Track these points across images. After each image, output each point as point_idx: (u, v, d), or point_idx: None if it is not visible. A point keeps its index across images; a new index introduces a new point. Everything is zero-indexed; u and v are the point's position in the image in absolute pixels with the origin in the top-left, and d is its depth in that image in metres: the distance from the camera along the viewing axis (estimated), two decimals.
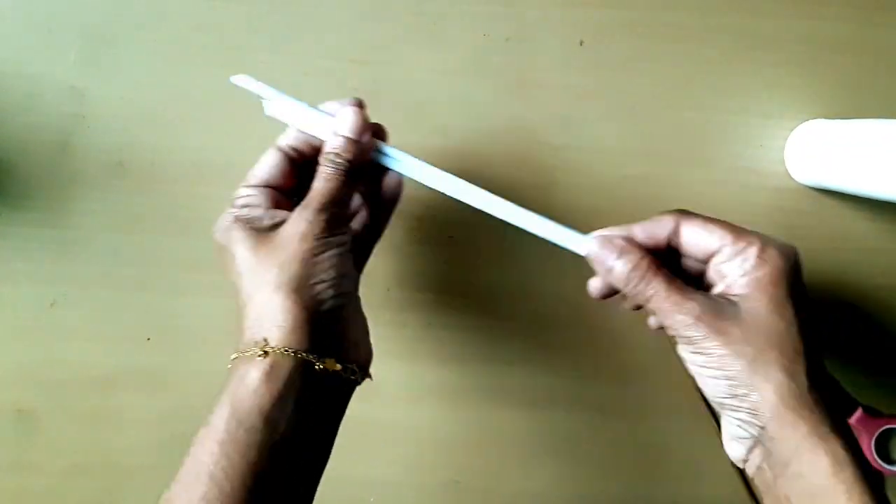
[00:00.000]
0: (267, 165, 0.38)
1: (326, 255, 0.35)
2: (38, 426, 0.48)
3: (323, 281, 0.34)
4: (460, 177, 0.39)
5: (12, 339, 0.48)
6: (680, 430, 0.48)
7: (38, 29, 0.49)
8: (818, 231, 0.50)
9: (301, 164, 0.39)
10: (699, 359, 0.33)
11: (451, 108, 0.50)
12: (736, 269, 0.34)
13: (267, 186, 0.37)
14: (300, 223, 0.35)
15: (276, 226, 0.36)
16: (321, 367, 0.33)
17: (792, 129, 0.50)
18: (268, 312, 0.33)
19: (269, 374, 0.32)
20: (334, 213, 0.36)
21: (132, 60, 0.49)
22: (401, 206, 0.50)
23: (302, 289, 0.33)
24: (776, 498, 0.32)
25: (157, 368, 0.49)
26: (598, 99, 0.50)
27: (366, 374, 0.36)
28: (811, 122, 0.50)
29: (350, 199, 0.38)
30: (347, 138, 0.37)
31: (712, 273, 0.36)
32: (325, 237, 0.35)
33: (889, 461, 0.50)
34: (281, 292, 0.33)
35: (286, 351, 0.32)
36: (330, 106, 0.39)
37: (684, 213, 0.37)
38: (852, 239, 0.50)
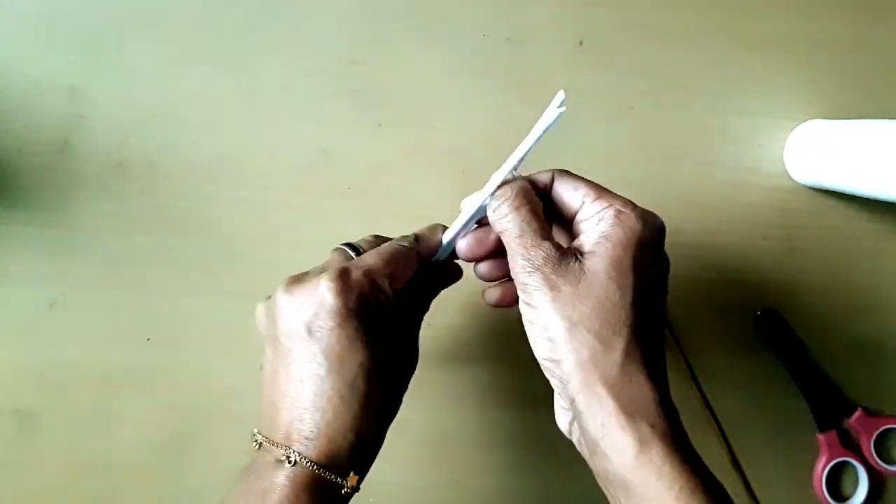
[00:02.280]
0: (409, 271, 0.36)
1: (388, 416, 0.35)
2: (38, 426, 0.48)
3: (392, 410, 0.35)
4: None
5: (12, 339, 0.48)
6: None
7: (38, 29, 0.49)
8: (818, 231, 0.50)
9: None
10: (528, 312, 0.32)
11: (451, 108, 0.50)
12: (592, 228, 0.32)
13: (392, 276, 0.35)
14: (414, 367, 0.35)
15: (391, 339, 0.35)
16: (341, 482, 0.32)
17: (792, 129, 0.50)
18: (357, 437, 0.32)
19: (300, 496, 0.31)
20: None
21: (132, 60, 0.49)
22: (395, 211, 0.51)
23: (385, 428, 0.34)
24: (598, 475, 0.31)
25: (157, 368, 0.49)
26: (598, 99, 0.50)
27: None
28: (811, 122, 0.50)
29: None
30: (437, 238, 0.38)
31: (575, 228, 0.34)
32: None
33: (889, 461, 0.50)
34: (379, 428, 0.34)
35: (326, 473, 0.31)
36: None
37: (560, 171, 0.35)
38: (852, 239, 0.50)
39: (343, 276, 0.33)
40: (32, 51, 0.49)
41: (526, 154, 0.34)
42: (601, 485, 0.31)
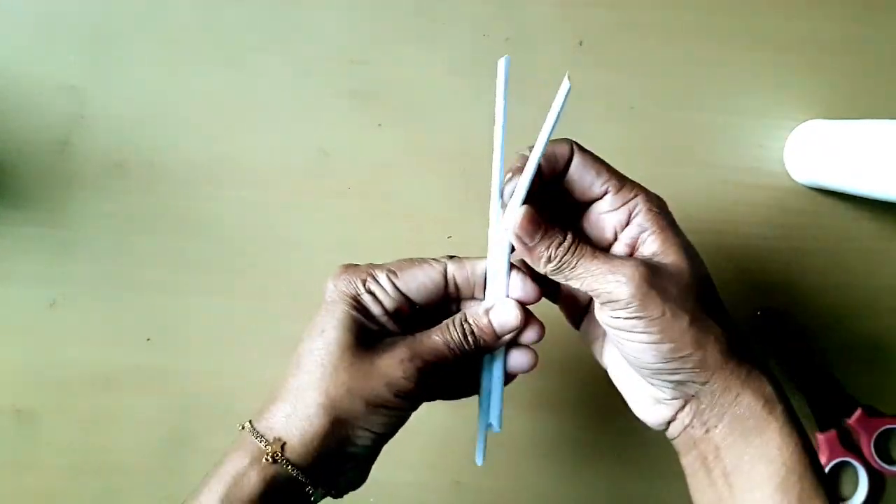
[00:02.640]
0: (424, 282, 0.34)
1: (391, 413, 0.33)
2: (38, 426, 0.48)
3: (369, 432, 0.33)
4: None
5: (12, 339, 0.48)
6: None
7: (38, 29, 0.49)
8: (818, 231, 0.50)
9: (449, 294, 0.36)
10: (639, 324, 0.30)
11: (451, 108, 0.50)
12: (630, 222, 0.33)
13: (405, 296, 0.34)
14: (396, 369, 0.32)
15: (381, 333, 0.34)
16: (309, 491, 0.32)
17: (792, 129, 0.50)
18: (303, 420, 0.32)
19: (269, 483, 0.31)
20: (429, 379, 0.33)
21: (132, 60, 0.49)
22: (395, 211, 0.50)
23: (347, 425, 0.32)
24: (701, 454, 0.32)
25: (157, 368, 0.49)
26: (598, 99, 0.50)
27: (340, 496, 0.35)
28: (811, 122, 0.50)
29: (450, 372, 0.34)
30: (493, 329, 0.34)
31: (593, 220, 0.34)
32: (403, 398, 0.32)
33: (889, 461, 0.50)
34: (328, 416, 0.31)
35: (292, 469, 0.31)
36: (517, 280, 0.34)
37: (580, 149, 0.34)
38: (852, 239, 0.50)
39: (346, 264, 0.35)
40: (32, 51, 0.49)
41: (544, 148, 0.33)
42: (701, 465, 0.33)
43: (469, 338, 0.34)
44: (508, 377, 0.37)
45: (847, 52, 0.50)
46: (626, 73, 0.50)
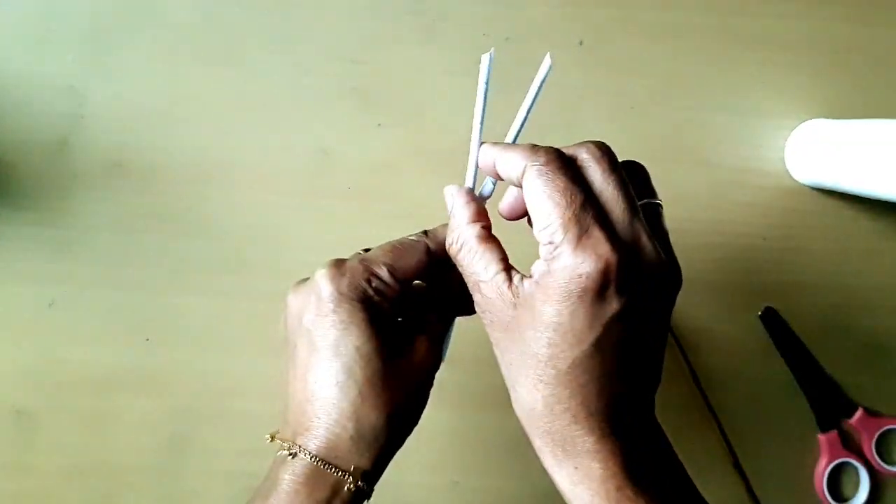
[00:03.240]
0: (415, 265, 0.34)
1: (428, 387, 0.34)
2: (38, 427, 0.48)
3: (414, 421, 0.34)
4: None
5: (11, 339, 0.48)
6: (679, 430, 0.48)
7: (38, 29, 0.49)
8: (818, 231, 0.50)
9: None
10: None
11: (451, 108, 0.50)
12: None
13: (406, 280, 0.34)
14: (429, 357, 0.34)
15: (390, 324, 0.33)
16: (341, 475, 0.32)
17: (792, 129, 0.50)
18: (372, 441, 0.32)
19: (299, 490, 0.31)
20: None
21: (131, 60, 0.49)
22: (395, 211, 0.50)
23: (406, 423, 0.33)
24: None
25: (156, 368, 0.49)
26: (598, 99, 0.50)
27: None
28: (811, 122, 0.50)
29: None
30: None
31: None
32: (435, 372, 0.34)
33: (890, 462, 0.50)
34: (392, 426, 0.32)
35: (325, 466, 0.31)
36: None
37: (531, 170, 0.30)
38: (852, 239, 0.50)
39: (337, 263, 0.33)
40: (32, 51, 0.49)
41: (524, 122, 0.33)
42: None
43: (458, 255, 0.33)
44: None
45: (847, 52, 0.50)
46: (626, 73, 0.50)
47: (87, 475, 0.48)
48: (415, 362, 0.33)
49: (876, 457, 0.49)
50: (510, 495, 0.49)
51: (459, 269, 0.33)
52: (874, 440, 0.49)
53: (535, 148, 0.31)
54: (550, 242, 0.28)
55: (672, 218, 0.52)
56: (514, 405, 0.31)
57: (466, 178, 0.35)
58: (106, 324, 0.49)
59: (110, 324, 0.49)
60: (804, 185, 0.50)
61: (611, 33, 0.50)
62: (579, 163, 0.30)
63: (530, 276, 0.30)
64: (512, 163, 0.31)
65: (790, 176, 0.50)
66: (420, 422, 0.51)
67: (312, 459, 0.31)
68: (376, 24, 0.50)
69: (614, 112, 0.50)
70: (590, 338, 0.28)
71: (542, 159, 0.30)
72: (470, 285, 0.32)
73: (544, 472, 0.52)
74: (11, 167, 0.48)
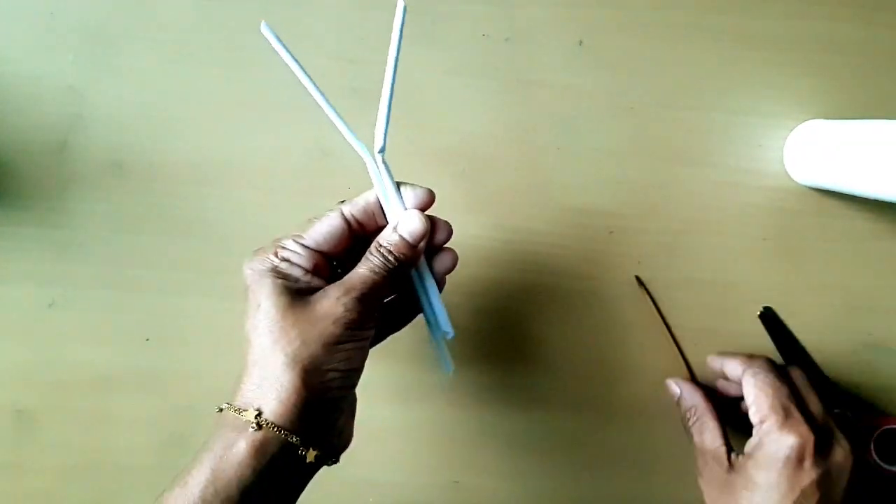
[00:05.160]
0: (327, 230, 0.36)
1: (349, 345, 0.34)
2: (37, 426, 0.48)
3: (337, 370, 0.34)
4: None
5: (11, 339, 0.48)
6: (680, 431, 0.48)
7: (38, 29, 0.49)
8: (818, 231, 0.50)
9: (356, 234, 0.38)
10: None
11: (451, 108, 0.50)
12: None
13: (317, 251, 0.36)
14: (337, 306, 0.34)
15: (310, 291, 0.35)
16: (303, 452, 0.33)
17: (791, 129, 0.50)
18: (273, 383, 0.33)
19: (257, 449, 0.32)
20: (371, 306, 0.35)
21: (131, 60, 0.49)
22: None
23: (315, 372, 0.33)
24: None
25: (156, 368, 0.49)
26: (598, 99, 0.50)
27: (338, 458, 0.36)
28: (811, 122, 0.50)
29: (388, 295, 0.37)
30: (405, 241, 0.36)
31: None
32: (354, 329, 0.34)
33: (889, 461, 0.50)
34: (294, 369, 0.32)
35: (278, 430, 0.32)
36: (408, 192, 0.37)
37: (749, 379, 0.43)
38: (852, 239, 0.50)
39: (255, 251, 0.37)
40: (32, 51, 0.49)
41: (394, 77, 0.37)
42: None
43: (389, 257, 0.36)
44: (440, 284, 0.39)
45: (847, 52, 0.50)
46: (626, 73, 0.50)
47: (87, 475, 0.48)
48: (319, 310, 0.34)
49: (875, 456, 0.49)
50: (510, 495, 0.50)
51: (689, 434, 0.46)
52: (873, 440, 0.49)
53: (751, 357, 0.45)
54: (762, 422, 0.40)
55: (671, 218, 0.52)
56: None
57: (376, 133, 0.37)
58: (106, 324, 0.49)
59: (109, 324, 0.49)
60: (803, 185, 0.50)
61: (611, 33, 0.50)
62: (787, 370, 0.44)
63: (744, 453, 0.41)
64: (732, 368, 0.45)
65: (789, 176, 0.50)
66: (420, 422, 0.51)
67: (225, 408, 0.33)
68: (376, 24, 0.50)
69: (614, 112, 0.50)
70: (789, 500, 0.38)
71: (757, 364, 0.43)
72: (696, 448, 0.44)
73: (544, 472, 0.52)
74: (11, 167, 0.48)
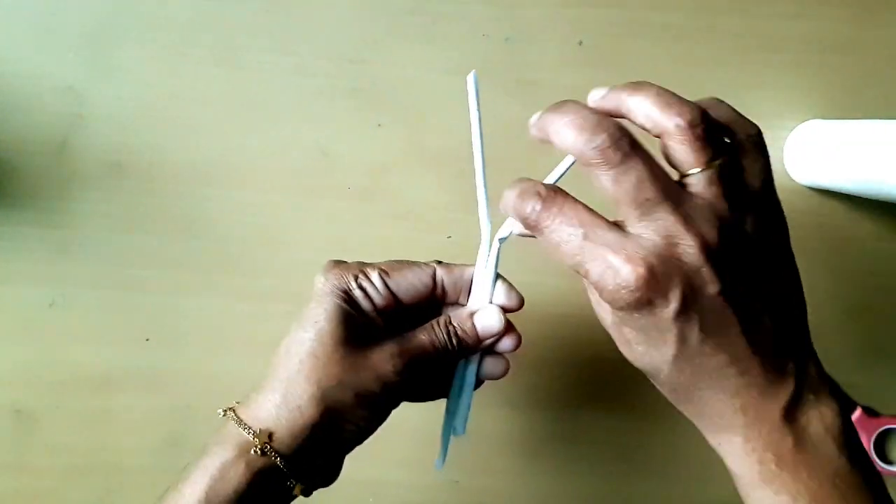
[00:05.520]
0: (414, 283, 0.35)
1: (378, 404, 0.33)
2: (38, 426, 0.48)
3: (355, 426, 0.33)
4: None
5: (11, 339, 0.48)
6: (681, 430, 0.48)
7: (38, 29, 0.49)
8: (818, 231, 0.50)
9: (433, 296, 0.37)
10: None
11: (451, 108, 0.50)
12: None
13: (394, 294, 0.35)
14: (387, 364, 0.33)
15: (367, 328, 0.34)
16: (291, 484, 0.32)
17: (792, 129, 0.50)
18: (293, 410, 0.32)
19: (255, 474, 0.31)
20: (413, 375, 0.34)
21: (131, 60, 0.49)
22: (395, 211, 0.50)
23: (337, 418, 0.32)
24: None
25: (156, 368, 0.49)
26: None
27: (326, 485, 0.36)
28: (811, 122, 0.50)
29: (430, 371, 0.35)
30: (476, 332, 0.35)
31: None
32: (390, 392, 0.33)
33: (888, 461, 0.50)
34: (319, 407, 0.32)
35: (280, 462, 0.32)
36: (501, 288, 0.36)
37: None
38: (852, 239, 0.50)
39: (336, 261, 0.36)
40: (31, 51, 0.49)
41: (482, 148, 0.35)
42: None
43: (453, 339, 0.35)
44: (479, 383, 0.38)
45: (847, 52, 0.50)
46: (626, 73, 0.50)
47: (87, 475, 0.48)
48: (369, 360, 0.33)
49: (874, 457, 0.49)
50: (510, 495, 0.50)
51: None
52: (873, 440, 0.49)
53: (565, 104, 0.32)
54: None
55: None
56: None
57: (480, 213, 0.35)
58: (106, 324, 0.49)
59: (110, 324, 0.49)
60: (804, 186, 0.50)
61: (611, 33, 0.50)
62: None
63: None
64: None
65: (789, 176, 0.50)
66: (420, 422, 0.51)
67: (227, 414, 0.33)
68: (376, 24, 0.50)
69: None
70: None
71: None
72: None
73: (544, 472, 0.52)
74: (10, 167, 0.48)
